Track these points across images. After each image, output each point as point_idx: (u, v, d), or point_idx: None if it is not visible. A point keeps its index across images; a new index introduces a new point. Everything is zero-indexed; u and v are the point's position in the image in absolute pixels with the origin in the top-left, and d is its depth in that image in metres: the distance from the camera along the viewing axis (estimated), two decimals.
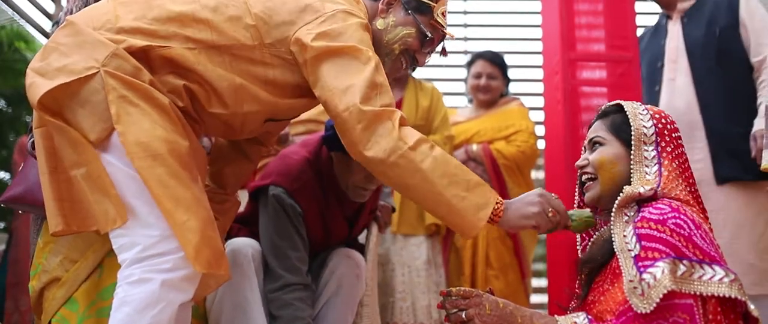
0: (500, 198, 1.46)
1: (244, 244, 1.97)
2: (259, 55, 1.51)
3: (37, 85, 1.37)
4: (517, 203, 1.47)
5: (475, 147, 3.13)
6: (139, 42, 1.43)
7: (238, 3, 1.53)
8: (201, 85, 1.49)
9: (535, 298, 3.63)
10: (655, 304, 1.22)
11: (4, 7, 2.90)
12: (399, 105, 3.03)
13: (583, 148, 1.59)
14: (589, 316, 1.35)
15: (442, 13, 1.69)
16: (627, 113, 1.49)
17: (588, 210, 1.54)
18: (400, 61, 1.69)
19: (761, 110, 2.37)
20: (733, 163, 2.43)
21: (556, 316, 1.38)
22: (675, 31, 2.65)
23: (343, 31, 1.50)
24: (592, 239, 1.57)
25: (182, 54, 1.45)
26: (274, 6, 1.53)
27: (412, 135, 1.43)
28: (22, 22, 2.93)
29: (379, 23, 1.65)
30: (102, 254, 1.68)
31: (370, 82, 1.45)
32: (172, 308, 1.32)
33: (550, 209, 1.46)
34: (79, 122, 1.37)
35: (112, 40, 1.41)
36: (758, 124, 2.35)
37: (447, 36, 1.71)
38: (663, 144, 1.45)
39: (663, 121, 1.48)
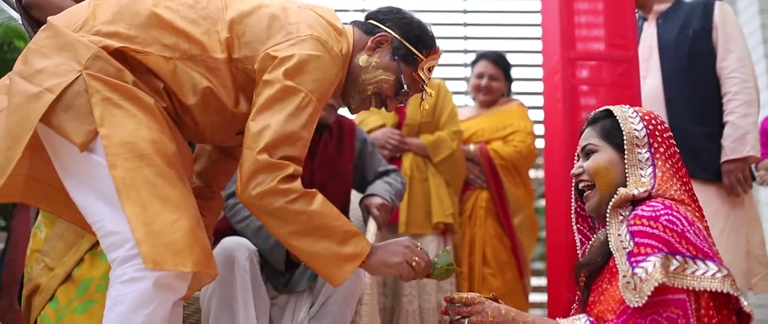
0: (371, 246, 1.52)
1: (238, 243, 1.97)
2: (226, 68, 1.51)
3: (20, 92, 1.36)
4: (382, 251, 1.54)
5: (472, 147, 3.13)
6: (116, 43, 1.42)
7: (216, 15, 1.52)
8: (174, 93, 1.49)
9: (534, 297, 3.63)
10: (646, 298, 1.23)
11: (3, 5, 2.89)
12: (404, 103, 3.03)
13: (576, 157, 1.59)
14: (590, 318, 1.36)
15: (428, 69, 1.69)
16: (617, 118, 1.50)
17: (450, 257, 1.59)
18: (369, 101, 1.68)
19: (733, 132, 2.44)
20: (691, 162, 2.43)
21: (557, 319, 1.39)
22: (650, 32, 2.68)
23: (307, 65, 1.49)
24: (590, 242, 1.58)
25: (157, 62, 1.45)
26: (250, 22, 1.52)
27: (293, 190, 1.45)
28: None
29: (362, 59, 1.63)
30: (77, 259, 1.70)
31: (286, 133, 1.45)
32: (165, 307, 1.31)
33: (414, 259, 1.54)
34: (62, 126, 1.35)
35: (91, 40, 1.40)
36: (735, 149, 2.42)
37: (424, 93, 1.70)
38: (656, 145, 1.46)
39: (653, 122, 1.48)
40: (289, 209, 1.44)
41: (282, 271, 2.13)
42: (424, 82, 1.68)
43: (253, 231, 2.09)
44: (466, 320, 1.39)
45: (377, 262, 1.53)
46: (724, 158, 2.45)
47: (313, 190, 1.48)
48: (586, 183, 1.53)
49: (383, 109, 1.71)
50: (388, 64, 1.63)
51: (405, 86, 1.64)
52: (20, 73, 1.40)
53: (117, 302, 1.29)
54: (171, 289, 1.32)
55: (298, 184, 1.46)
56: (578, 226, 1.62)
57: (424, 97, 1.71)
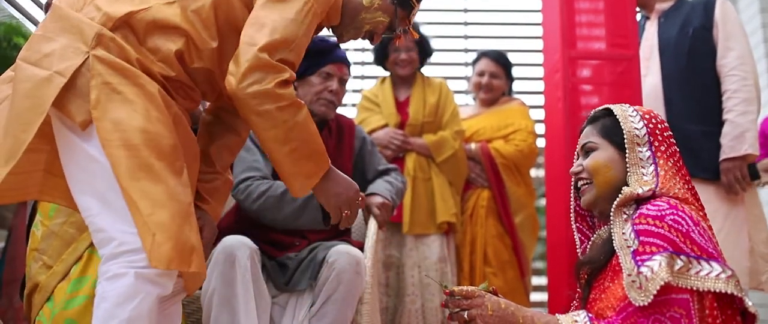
0: (328, 169, 1.57)
1: (239, 242, 1.96)
2: None
3: (29, 78, 1.36)
4: (331, 183, 1.59)
5: (473, 146, 3.13)
6: (120, 9, 1.43)
7: None
8: (186, 41, 1.49)
9: (535, 296, 3.63)
10: (652, 297, 1.23)
11: (4, 4, 2.89)
12: (406, 103, 3.04)
13: (576, 155, 1.59)
14: (590, 314, 1.36)
15: (414, 14, 1.79)
16: (617, 116, 1.50)
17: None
18: (359, 35, 1.76)
19: (731, 130, 2.43)
20: (691, 161, 2.43)
21: (557, 314, 1.39)
22: (651, 31, 2.68)
23: None
24: (591, 240, 1.58)
25: (161, 12, 1.46)
26: None
27: (286, 97, 1.46)
28: (24, 20, 2.92)
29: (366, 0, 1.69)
30: (75, 257, 1.71)
31: (287, 36, 1.47)
32: (150, 299, 1.30)
33: (344, 212, 1.60)
34: (65, 104, 1.35)
35: (92, 17, 1.41)
36: (733, 148, 2.41)
37: (404, 35, 1.80)
38: (656, 144, 1.46)
39: (653, 120, 1.49)
40: (276, 115, 1.45)
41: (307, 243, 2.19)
42: (410, 24, 1.80)
43: (276, 199, 2.11)
44: (466, 313, 1.39)
45: (320, 189, 1.58)
46: (722, 156, 2.44)
47: (302, 101, 1.50)
48: (585, 181, 1.53)
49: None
50: (387, 7, 1.71)
51: (396, 28, 1.74)
52: (26, 59, 1.39)
53: (103, 298, 1.30)
54: (154, 284, 1.31)
55: (291, 91, 1.48)
56: (577, 225, 1.62)
57: (403, 37, 1.83)
